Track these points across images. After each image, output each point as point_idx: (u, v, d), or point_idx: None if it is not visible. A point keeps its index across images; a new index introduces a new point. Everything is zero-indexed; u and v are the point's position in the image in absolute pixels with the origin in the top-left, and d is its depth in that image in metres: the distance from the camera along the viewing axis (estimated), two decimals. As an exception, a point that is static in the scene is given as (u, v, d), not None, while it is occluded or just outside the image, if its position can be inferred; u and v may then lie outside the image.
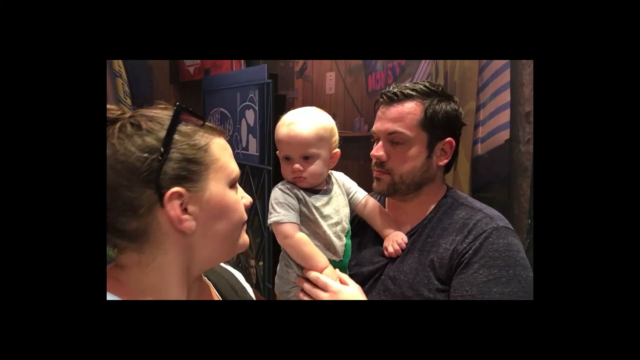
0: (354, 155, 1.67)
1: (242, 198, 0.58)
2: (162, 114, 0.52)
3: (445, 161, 0.92)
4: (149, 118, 0.51)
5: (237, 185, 0.57)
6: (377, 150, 0.90)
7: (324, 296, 0.82)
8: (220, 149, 0.54)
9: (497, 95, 1.23)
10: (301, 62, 2.02)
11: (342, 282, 0.86)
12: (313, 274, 0.84)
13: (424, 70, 1.49)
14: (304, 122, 0.85)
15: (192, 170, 0.51)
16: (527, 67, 1.16)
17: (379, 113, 0.92)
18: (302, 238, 0.85)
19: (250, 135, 1.96)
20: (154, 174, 0.48)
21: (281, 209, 0.85)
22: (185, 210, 0.51)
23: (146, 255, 0.51)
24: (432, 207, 0.92)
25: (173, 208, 0.49)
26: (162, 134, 0.49)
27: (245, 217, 0.58)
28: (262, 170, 1.87)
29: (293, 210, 0.85)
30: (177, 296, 0.54)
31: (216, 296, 0.65)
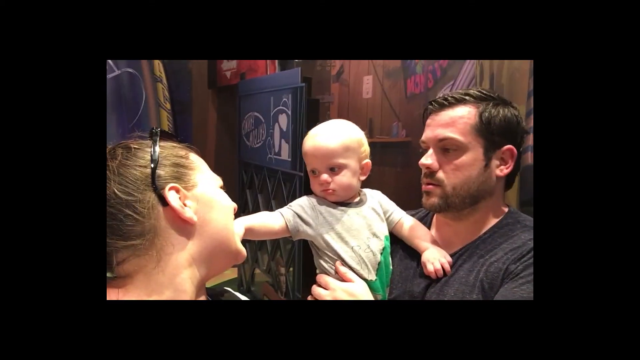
0: (391, 161, 1.57)
1: None
2: (137, 141, 0.58)
3: (507, 171, 0.82)
4: (128, 144, 0.57)
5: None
6: (427, 158, 0.81)
7: (324, 294, 0.81)
8: (198, 159, 0.61)
9: (551, 98, 1.12)
10: (338, 65, 1.96)
11: (346, 280, 0.81)
12: (318, 276, 0.85)
13: (467, 72, 1.39)
14: (329, 133, 0.83)
15: (182, 172, 0.57)
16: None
17: (428, 121, 0.84)
18: (259, 216, 0.84)
19: (282, 140, 1.92)
20: (150, 178, 0.55)
21: (288, 207, 0.85)
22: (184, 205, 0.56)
23: (150, 258, 0.53)
24: (489, 226, 0.83)
25: (174, 199, 0.54)
26: (149, 148, 0.56)
27: (235, 206, 0.64)
28: (294, 176, 1.82)
29: (296, 212, 0.84)
30: (183, 294, 0.55)
31: None
